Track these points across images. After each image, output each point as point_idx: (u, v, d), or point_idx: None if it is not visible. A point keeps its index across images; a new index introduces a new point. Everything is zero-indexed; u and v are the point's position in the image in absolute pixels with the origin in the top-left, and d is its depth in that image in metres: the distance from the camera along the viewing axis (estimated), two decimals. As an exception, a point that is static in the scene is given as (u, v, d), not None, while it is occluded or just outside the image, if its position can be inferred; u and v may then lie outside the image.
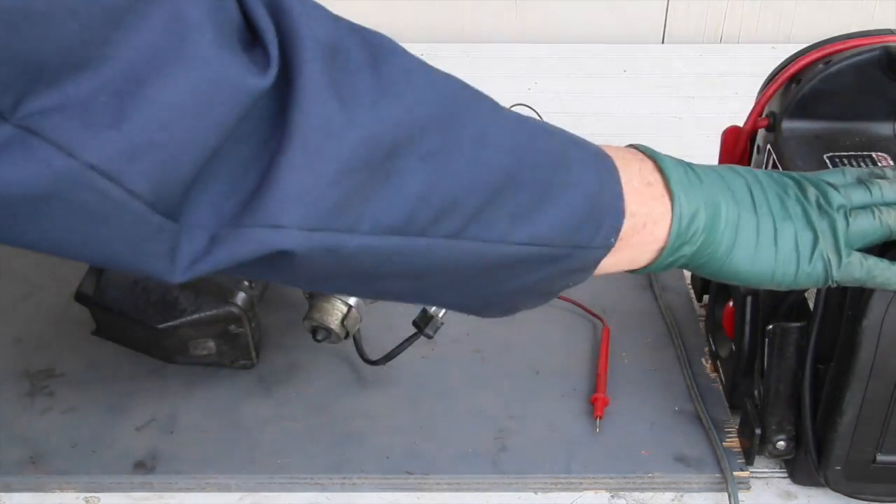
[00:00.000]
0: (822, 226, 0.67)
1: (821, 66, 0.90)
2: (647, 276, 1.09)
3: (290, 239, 0.51)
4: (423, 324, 0.91)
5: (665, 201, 0.65)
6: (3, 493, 0.87)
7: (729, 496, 0.86)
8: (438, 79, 0.57)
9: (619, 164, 0.64)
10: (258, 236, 0.50)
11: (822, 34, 0.94)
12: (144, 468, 0.87)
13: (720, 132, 0.96)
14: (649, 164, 0.66)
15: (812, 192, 0.69)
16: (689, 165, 0.68)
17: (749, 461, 0.88)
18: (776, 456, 0.86)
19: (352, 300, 0.90)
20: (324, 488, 0.88)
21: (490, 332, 1.02)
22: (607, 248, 0.64)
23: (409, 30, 1.53)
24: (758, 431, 0.85)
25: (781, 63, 0.94)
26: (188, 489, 0.88)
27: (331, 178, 0.51)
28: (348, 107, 0.51)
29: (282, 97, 0.50)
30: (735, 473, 0.87)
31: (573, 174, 0.61)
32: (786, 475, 0.89)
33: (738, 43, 1.65)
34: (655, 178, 0.65)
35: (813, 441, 0.83)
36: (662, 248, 0.66)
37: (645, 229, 0.64)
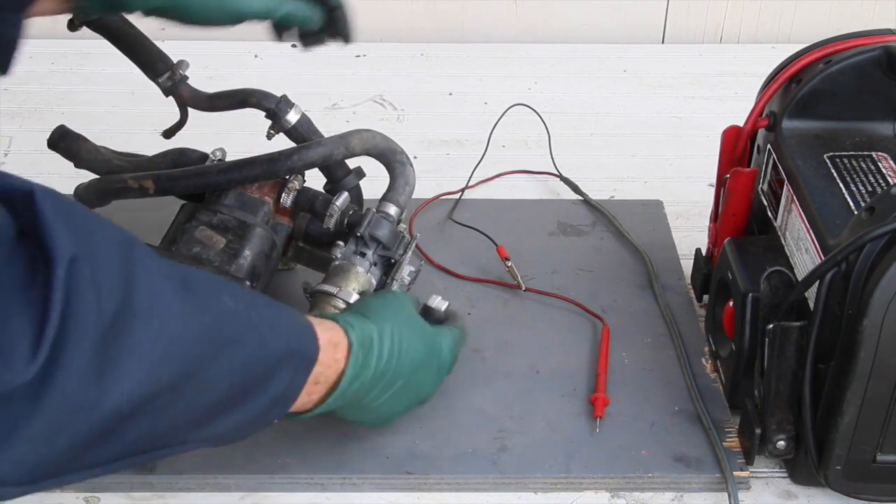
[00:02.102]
0: None
1: (821, 66, 0.90)
2: (647, 276, 1.09)
3: (6, 492, 0.58)
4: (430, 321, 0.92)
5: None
6: (3, 493, 0.87)
7: (729, 496, 0.86)
8: (183, 337, 0.61)
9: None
10: None
11: (822, 34, 0.94)
12: (144, 468, 0.87)
13: (720, 132, 0.96)
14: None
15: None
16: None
17: (749, 461, 0.88)
18: (776, 456, 0.86)
19: (353, 299, 0.90)
20: (324, 488, 0.88)
21: (490, 332, 1.02)
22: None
23: (410, 30, 1.53)
24: (758, 431, 0.85)
25: (781, 63, 0.94)
26: (188, 489, 0.88)
27: (64, 450, 0.57)
28: (103, 383, 0.56)
29: (42, 377, 0.53)
30: (735, 473, 0.87)
31: (270, 382, 0.69)
32: (786, 475, 0.89)
33: (738, 43, 1.65)
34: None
35: (813, 441, 0.83)
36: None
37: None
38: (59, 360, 0.53)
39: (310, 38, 0.92)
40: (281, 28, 0.90)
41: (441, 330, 0.89)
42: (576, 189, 1.23)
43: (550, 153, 1.27)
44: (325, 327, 0.76)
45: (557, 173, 1.25)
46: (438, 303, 0.93)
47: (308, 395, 0.74)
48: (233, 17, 0.86)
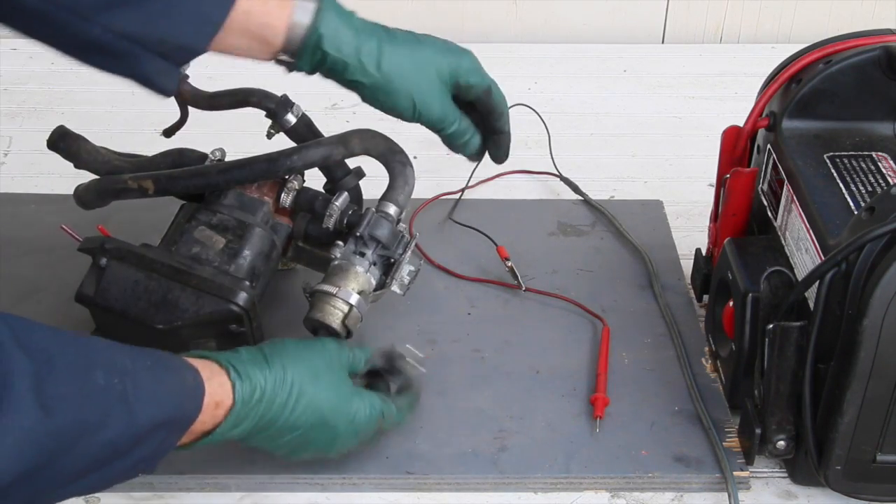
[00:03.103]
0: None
1: (821, 66, 0.90)
2: (647, 276, 1.09)
3: None
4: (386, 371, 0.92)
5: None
6: (3, 494, 0.87)
7: (729, 496, 0.86)
8: (46, 427, 0.61)
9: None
10: None
11: (822, 34, 0.94)
12: (145, 468, 0.87)
13: (720, 132, 0.96)
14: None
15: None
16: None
17: (749, 461, 0.88)
18: (776, 456, 0.86)
19: (353, 299, 0.90)
20: (324, 488, 0.88)
21: (490, 332, 1.02)
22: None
23: (409, 29, 1.52)
24: (758, 431, 0.85)
25: (781, 63, 0.94)
26: (188, 489, 0.88)
27: None
28: None
29: None
30: (735, 473, 0.87)
31: (136, 450, 0.69)
32: (786, 475, 0.89)
33: (738, 43, 1.65)
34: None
35: (813, 441, 0.83)
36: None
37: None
38: None
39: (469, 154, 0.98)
40: (445, 141, 0.95)
41: (366, 395, 0.86)
42: (576, 189, 1.23)
43: (550, 153, 1.27)
44: (214, 384, 0.76)
45: (557, 173, 1.25)
46: (404, 362, 0.91)
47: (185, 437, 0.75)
48: (412, 115, 0.90)
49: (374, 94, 0.89)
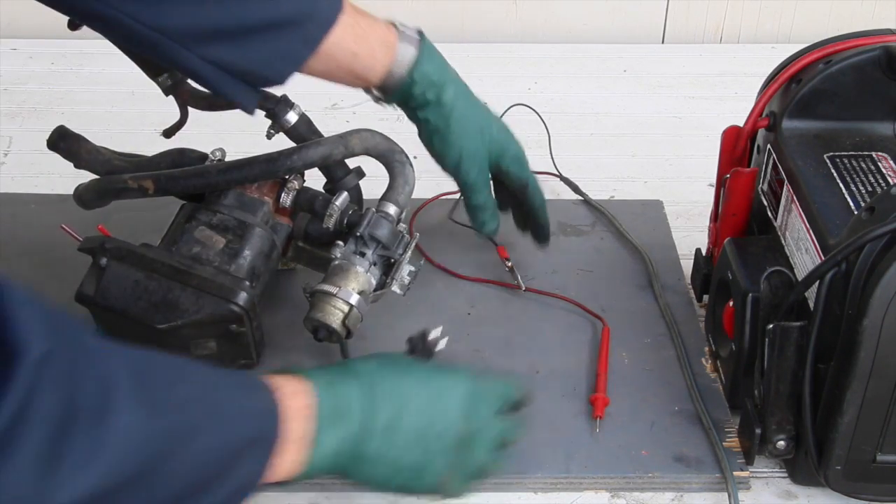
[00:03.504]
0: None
1: (821, 66, 0.90)
2: (647, 276, 1.09)
3: None
4: (418, 349, 0.89)
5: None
6: (3, 493, 0.87)
7: (729, 496, 0.86)
8: (136, 436, 0.59)
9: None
10: None
11: (822, 34, 0.94)
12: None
13: (720, 132, 0.96)
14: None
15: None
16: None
17: (749, 461, 0.88)
18: (776, 456, 0.86)
19: (353, 299, 0.90)
20: (324, 488, 0.88)
21: (490, 332, 1.02)
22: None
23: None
24: (758, 431, 0.85)
25: (781, 63, 0.94)
26: (188, 489, 0.87)
27: None
28: (48, 481, 0.54)
29: None
30: (735, 473, 0.87)
31: (234, 469, 0.68)
32: (786, 475, 0.89)
33: (738, 43, 1.65)
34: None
35: (813, 441, 0.83)
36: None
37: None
38: (4, 454, 0.53)
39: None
40: (468, 208, 1.04)
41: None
42: (576, 189, 1.23)
43: (550, 153, 1.26)
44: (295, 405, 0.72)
45: (557, 173, 1.25)
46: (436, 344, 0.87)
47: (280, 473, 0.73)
48: (455, 168, 0.99)
49: (431, 136, 0.97)
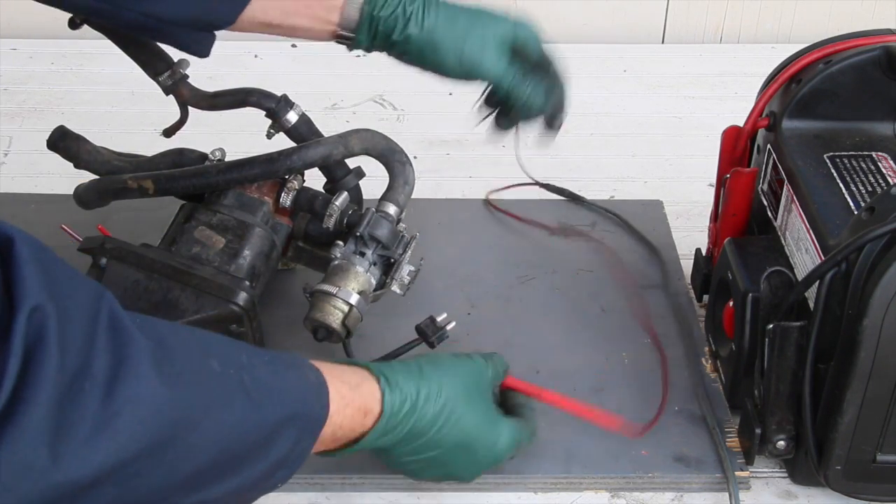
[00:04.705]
0: None
1: (821, 66, 0.90)
2: (647, 276, 1.09)
3: None
4: (430, 333, 0.91)
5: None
6: (3, 493, 0.87)
7: (729, 496, 0.86)
8: (168, 398, 0.58)
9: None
10: None
11: (822, 34, 0.94)
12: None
13: (720, 132, 0.96)
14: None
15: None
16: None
17: (749, 461, 0.88)
18: (776, 456, 0.86)
19: (353, 299, 0.90)
20: (324, 488, 0.88)
21: (490, 332, 1.02)
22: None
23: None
24: (758, 431, 0.85)
25: (781, 63, 0.94)
26: (188, 489, 0.87)
27: None
28: (59, 448, 0.53)
29: None
30: (735, 473, 0.87)
31: (271, 447, 0.67)
32: (786, 475, 0.89)
33: (738, 43, 1.65)
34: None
35: (813, 441, 0.83)
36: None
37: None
38: (13, 413, 0.51)
39: (505, 120, 0.98)
40: (500, 102, 0.96)
41: (508, 423, 0.83)
42: (571, 195, 1.21)
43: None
44: (364, 391, 0.74)
45: (534, 181, 1.24)
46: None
47: (324, 447, 0.74)
48: (466, 74, 0.94)
49: (421, 52, 0.92)
